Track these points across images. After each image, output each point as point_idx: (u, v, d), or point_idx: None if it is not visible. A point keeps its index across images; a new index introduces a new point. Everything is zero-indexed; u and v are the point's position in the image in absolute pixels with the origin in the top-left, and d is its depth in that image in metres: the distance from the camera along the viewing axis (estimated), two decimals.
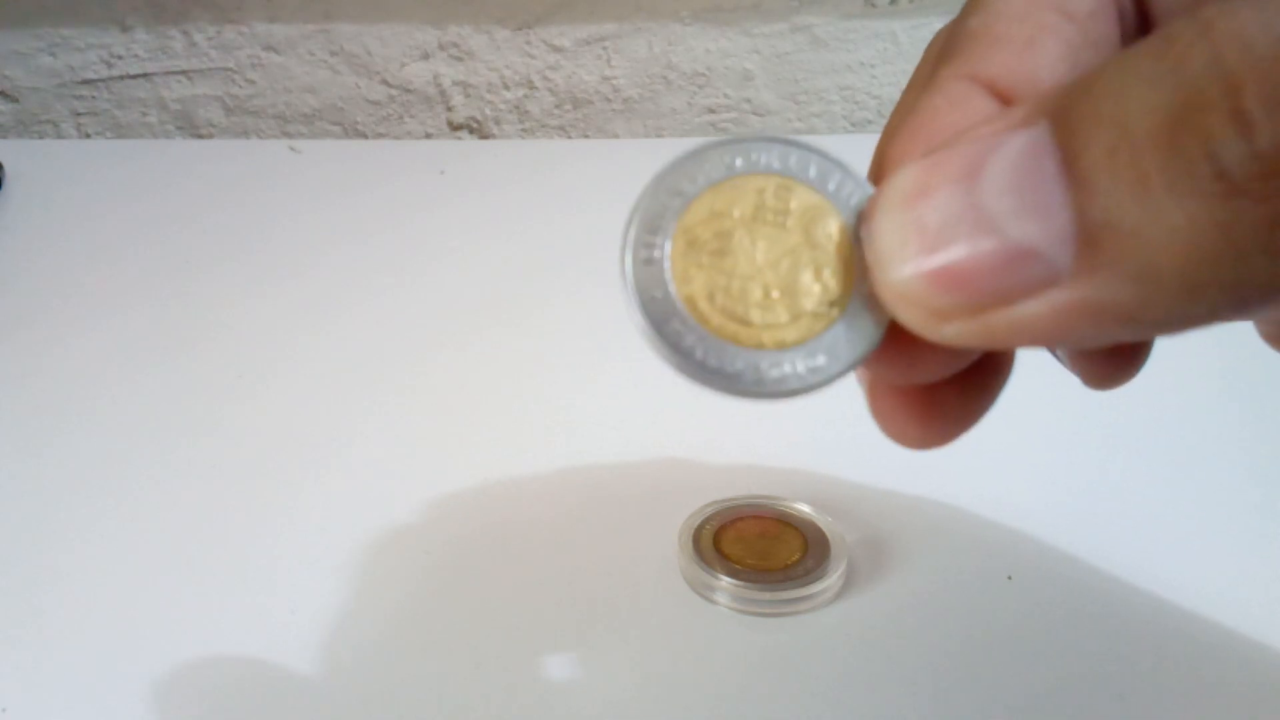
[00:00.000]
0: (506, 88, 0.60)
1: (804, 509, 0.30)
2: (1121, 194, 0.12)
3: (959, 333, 0.14)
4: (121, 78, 0.60)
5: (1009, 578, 0.29)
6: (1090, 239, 0.13)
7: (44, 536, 0.31)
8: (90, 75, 0.60)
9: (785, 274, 0.16)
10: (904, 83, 0.20)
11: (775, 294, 0.16)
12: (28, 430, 0.36)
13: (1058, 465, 0.34)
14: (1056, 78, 0.17)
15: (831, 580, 0.28)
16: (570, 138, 0.62)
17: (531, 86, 0.60)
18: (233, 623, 0.28)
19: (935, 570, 0.30)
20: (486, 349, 0.40)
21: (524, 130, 0.62)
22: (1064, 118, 0.13)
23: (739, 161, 0.17)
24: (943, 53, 0.18)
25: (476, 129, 0.62)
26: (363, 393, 0.37)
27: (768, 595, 0.28)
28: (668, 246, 0.17)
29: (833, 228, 0.17)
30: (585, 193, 0.52)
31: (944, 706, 0.26)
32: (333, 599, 0.29)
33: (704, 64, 0.60)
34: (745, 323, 0.16)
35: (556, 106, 0.61)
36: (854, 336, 0.16)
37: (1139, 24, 0.18)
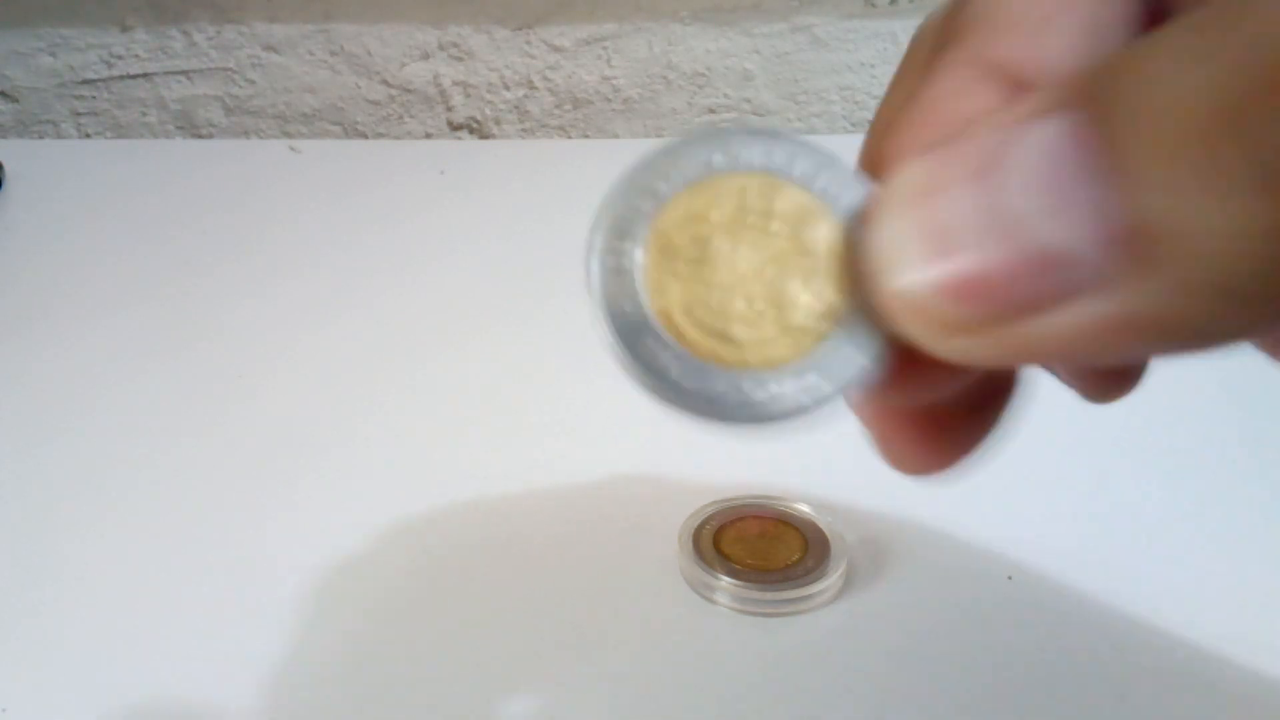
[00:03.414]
0: (506, 88, 0.60)
1: (804, 509, 0.30)
2: (1170, 190, 0.11)
3: (973, 348, 0.13)
4: (121, 78, 0.60)
5: (1009, 578, 0.29)
6: (1132, 241, 0.11)
7: (44, 536, 0.31)
8: (90, 75, 0.60)
9: (771, 284, 0.15)
10: None
11: (760, 306, 0.15)
12: (28, 430, 0.36)
13: (1058, 465, 0.34)
14: (1074, 63, 0.15)
15: (831, 580, 0.28)
16: (570, 138, 0.62)
17: (531, 86, 0.60)
18: (232, 622, 0.28)
19: (935, 570, 0.30)
20: (486, 348, 0.40)
21: (524, 130, 0.62)
22: (1097, 104, 0.12)
23: (718, 158, 0.15)
24: (945, 35, 0.16)
25: (476, 129, 0.62)
26: (363, 392, 0.37)
27: (768, 595, 0.28)
28: (639, 254, 0.15)
29: (824, 231, 0.15)
30: (585, 193, 0.52)
31: (944, 706, 0.26)
32: (332, 598, 0.29)
33: (704, 64, 0.60)
34: (727, 339, 0.15)
35: (556, 106, 0.61)
36: (850, 353, 0.15)
37: (1156, 5, 0.16)
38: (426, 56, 0.59)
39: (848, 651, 0.27)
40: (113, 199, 0.51)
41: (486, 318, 0.42)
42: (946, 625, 0.28)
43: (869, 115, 0.61)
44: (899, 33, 0.59)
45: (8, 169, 0.52)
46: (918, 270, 0.13)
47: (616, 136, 0.61)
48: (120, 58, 0.59)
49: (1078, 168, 0.12)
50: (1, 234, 0.48)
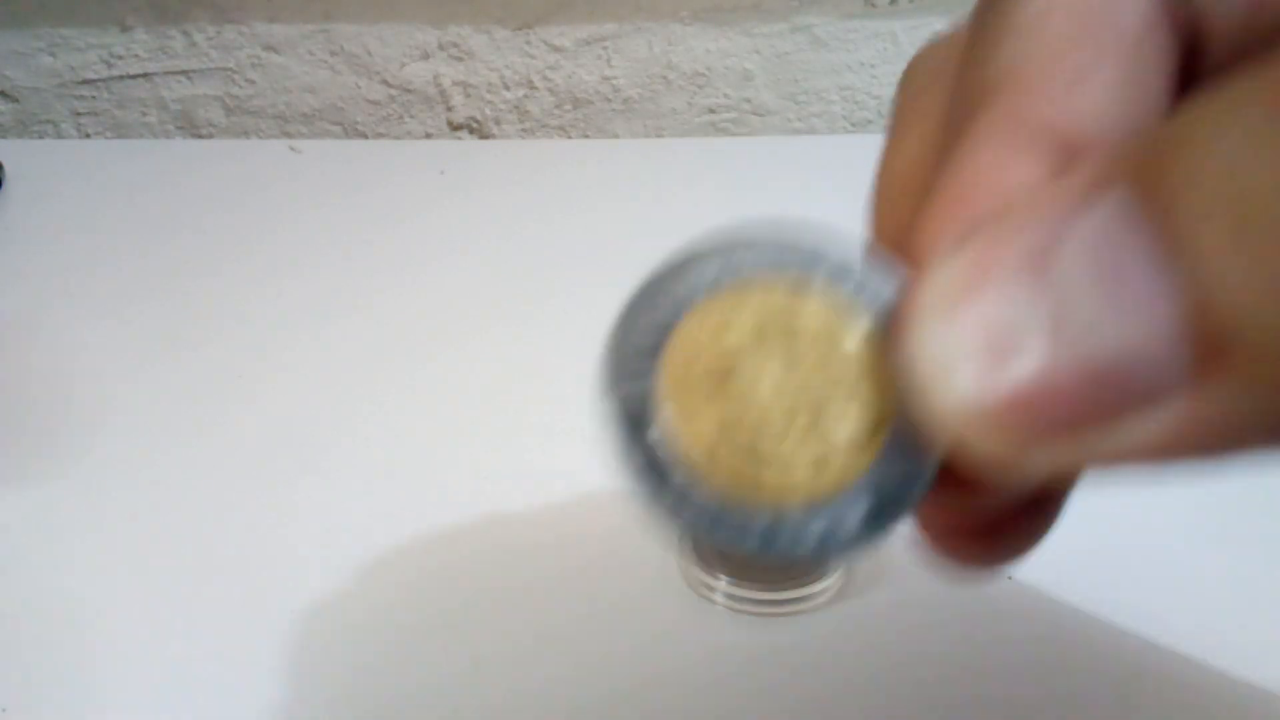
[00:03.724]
0: (506, 88, 0.60)
1: None
2: (1257, 282, 0.09)
3: (1041, 462, 0.12)
4: (121, 78, 0.60)
5: (1009, 578, 0.29)
6: (1212, 338, 0.10)
7: (43, 536, 0.31)
8: (90, 75, 0.60)
9: (809, 399, 0.13)
10: None
11: (798, 426, 0.13)
12: (27, 430, 0.36)
13: None
14: (1111, 122, 0.13)
15: (831, 580, 0.28)
16: (570, 138, 0.62)
17: (531, 86, 0.60)
18: (231, 622, 0.28)
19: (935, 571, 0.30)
20: (487, 349, 0.40)
21: (524, 130, 0.62)
22: (1153, 182, 0.10)
23: (737, 261, 0.14)
24: (969, 93, 0.14)
25: (476, 129, 0.62)
26: (363, 393, 0.37)
27: (767, 595, 0.28)
28: (659, 375, 0.13)
29: (860, 336, 0.13)
30: (585, 193, 0.52)
31: (943, 707, 0.26)
32: (331, 599, 0.29)
33: (704, 64, 0.60)
34: (764, 466, 0.13)
35: (556, 106, 0.61)
36: (903, 471, 0.13)
37: (1188, 52, 0.14)
38: (426, 56, 0.59)
39: (848, 651, 0.27)
40: (113, 199, 0.51)
41: (486, 318, 0.42)
42: (946, 625, 0.28)
43: (869, 115, 0.61)
44: (899, 33, 0.59)
45: (8, 169, 0.52)
46: (971, 381, 0.11)
47: (616, 136, 0.61)
48: (120, 58, 0.59)
49: (1134, 258, 0.10)
50: (1, 234, 0.48)
